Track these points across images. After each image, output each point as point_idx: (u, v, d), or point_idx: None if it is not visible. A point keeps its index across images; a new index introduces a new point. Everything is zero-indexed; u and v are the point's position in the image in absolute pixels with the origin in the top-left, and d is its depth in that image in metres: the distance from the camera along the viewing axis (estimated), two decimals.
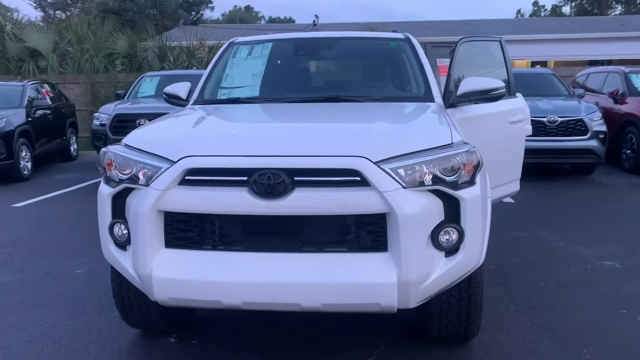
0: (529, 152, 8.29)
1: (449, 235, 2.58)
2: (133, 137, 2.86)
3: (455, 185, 2.58)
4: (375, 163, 2.45)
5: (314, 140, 2.64)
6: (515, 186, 4.77)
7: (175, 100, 3.99)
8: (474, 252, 2.67)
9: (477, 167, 2.67)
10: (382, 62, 4.13)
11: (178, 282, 2.53)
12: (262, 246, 2.50)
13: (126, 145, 2.81)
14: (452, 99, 3.77)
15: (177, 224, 2.56)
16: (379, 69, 4.12)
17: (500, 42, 4.67)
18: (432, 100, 3.64)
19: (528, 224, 5.98)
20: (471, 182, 2.64)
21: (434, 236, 2.55)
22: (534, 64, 21.85)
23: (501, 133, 4.40)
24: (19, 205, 7.33)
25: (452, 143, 2.68)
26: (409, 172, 2.49)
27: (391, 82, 4.05)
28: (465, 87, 3.74)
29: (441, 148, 2.63)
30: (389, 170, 2.45)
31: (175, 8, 28.96)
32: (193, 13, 29.43)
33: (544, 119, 8.53)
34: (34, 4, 31.30)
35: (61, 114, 11.65)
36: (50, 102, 11.19)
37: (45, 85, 11.65)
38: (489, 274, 4.38)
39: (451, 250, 2.60)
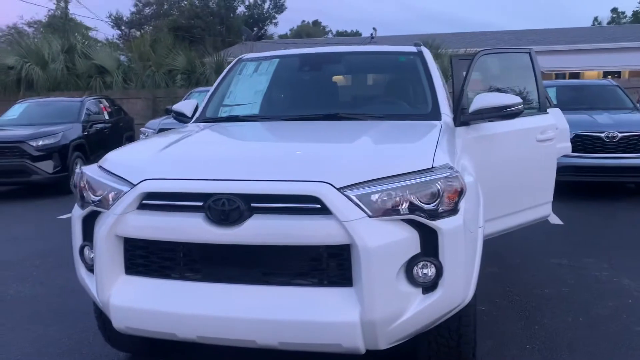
0: (584, 169, 7.86)
1: (426, 270, 2.32)
2: (106, 159, 2.80)
3: (435, 214, 2.33)
4: (338, 189, 2.24)
5: (277, 164, 2.46)
6: (546, 210, 4.37)
7: (181, 118, 3.94)
8: (456, 288, 2.39)
9: (460, 194, 2.41)
10: (389, 78, 3.91)
11: (134, 311, 2.42)
12: (220, 277, 2.35)
13: (99, 166, 2.75)
14: (464, 117, 3.49)
15: (135, 250, 2.45)
16: (385, 85, 3.90)
17: (530, 54, 4.32)
18: (438, 118, 3.38)
19: (572, 249, 5.50)
20: (453, 211, 2.37)
21: (408, 270, 2.31)
22: (605, 74, 20.60)
23: (526, 152, 4.04)
24: (63, 217, 7.58)
25: (433, 167, 2.41)
26: (377, 199, 2.26)
27: (397, 98, 3.80)
28: (478, 103, 3.46)
29: (419, 173, 2.38)
30: (353, 197, 2.24)
31: (241, 25, 29.68)
32: (256, 29, 30.04)
33: (602, 134, 7.91)
34: (112, 24, 33.09)
35: (118, 128, 12.09)
36: (107, 117, 11.65)
37: (104, 101, 12.14)
38: (513, 306, 4.04)
39: (429, 287, 2.34)
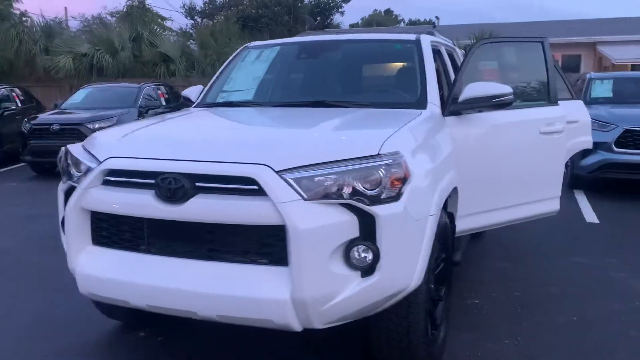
0: (627, 166, 7.41)
1: (363, 254, 2.36)
2: (88, 138, 3.00)
3: (376, 200, 2.36)
4: (277, 172, 2.32)
5: (224, 146, 2.57)
6: (552, 205, 4.22)
7: (188, 103, 4.13)
8: (394, 274, 2.41)
9: (403, 181, 2.42)
10: (382, 66, 3.89)
11: (95, 279, 2.61)
12: (169, 251, 2.50)
13: (82, 145, 2.96)
14: (454, 107, 3.45)
15: (100, 222, 2.65)
16: (377, 72, 3.89)
17: (542, 43, 4.16)
18: (423, 107, 3.35)
19: (599, 249, 5.26)
20: (394, 197, 2.39)
21: (346, 253, 2.35)
22: None
23: (528, 144, 3.92)
24: None
25: (379, 154, 2.43)
26: (314, 183, 2.31)
27: (387, 86, 3.79)
28: (467, 93, 3.41)
29: (362, 159, 2.41)
30: (290, 180, 2.31)
31: (309, 14, 29.86)
32: (319, 18, 30.08)
33: None
34: (185, 14, 34.22)
35: None
36: (164, 103, 12.16)
37: (162, 87, 12.68)
38: (508, 301, 3.96)
39: (367, 270, 2.38)
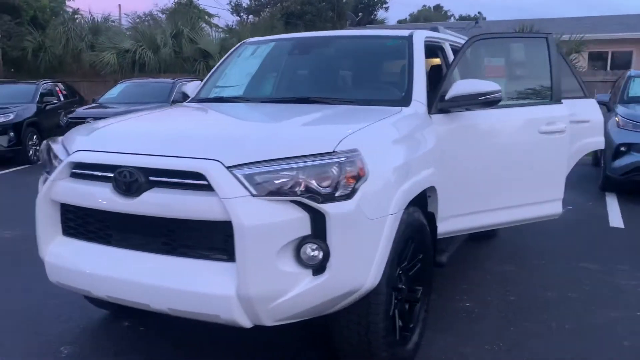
0: None
1: (314, 252, 2.34)
2: (67, 133, 3.09)
3: (328, 198, 2.33)
4: (228, 167, 2.32)
5: (179, 141, 2.59)
6: (553, 208, 4.05)
7: (187, 98, 4.19)
8: (346, 273, 2.38)
9: (358, 179, 2.38)
10: (372, 63, 3.82)
11: (62, 269, 2.70)
12: (127, 243, 2.55)
13: (61, 139, 3.05)
14: (441, 104, 3.37)
15: (68, 214, 2.73)
16: (366, 69, 3.81)
17: (547, 39, 3.99)
18: (406, 104, 3.28)
19: (614, 255, 5.02)
20: (347, 196, 2.36)
21: (297, 251, 2.34)
22: None
23: (525, 144, 3.79)
24: None
25: (335, 152, 2.40)
26: (264, 179, 2.31)
27: (373, 83, 3.72)
28: (454, 90, 3.32)
29: (317, 156, 2.38)
30: (239, 176, 2.31)
31: (352, 10, 29.77)
32: (361, 14, 29.89)
33: None
34: (231, 10, 34.75)
35: None
36: None
37: (196, 82, 12.92)
38: (502, 306, 3.85)
39: (318, 269, 2.36)
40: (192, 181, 2.35)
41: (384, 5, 32.32)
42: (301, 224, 2.33)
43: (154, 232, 2.47)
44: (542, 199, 3.96)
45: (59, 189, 2.67)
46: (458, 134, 3.49)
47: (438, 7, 61.11)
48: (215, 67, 4.23)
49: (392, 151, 2.72)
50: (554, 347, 3.26)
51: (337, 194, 2.35)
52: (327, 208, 2.32)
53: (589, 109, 4.59)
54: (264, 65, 4.05)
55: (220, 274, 2.33)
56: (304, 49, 4.04)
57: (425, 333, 3.33)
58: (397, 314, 2.91)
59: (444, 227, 3.48)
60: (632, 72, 9.39)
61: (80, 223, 2.68)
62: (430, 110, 3.35)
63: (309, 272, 2.36)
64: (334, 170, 2.35)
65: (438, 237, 3.49)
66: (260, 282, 2.29)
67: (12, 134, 10.67)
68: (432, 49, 3.90)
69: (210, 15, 36.08)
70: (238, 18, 35.34)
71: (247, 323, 2.37)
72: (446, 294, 4.01)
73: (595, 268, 4.67)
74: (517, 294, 4.05)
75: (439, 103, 3.38)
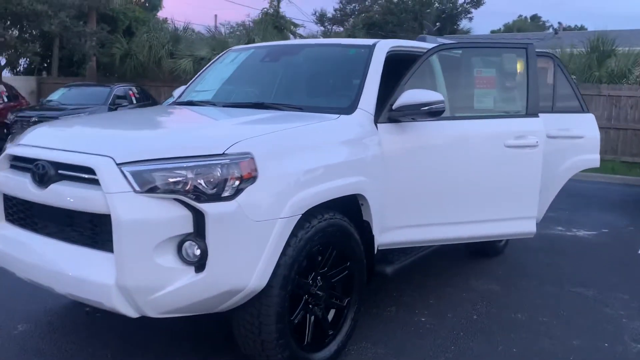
0: None
1: (193, 250, 2.44)
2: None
3: (212, 198, 2.43)
4: (118, 164, 2.47)
5: (87, 138, 2.79)
6: (525, 226, 3.85)
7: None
8: (227, 272, 2.46)
9: (242, 181, 2.46)
10: (330, 71, 3.83)
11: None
12: (45, 231, 2.77)
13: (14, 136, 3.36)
14: (390, 114, 3.35)
15: (7, 201, 3.00)
16: (324, 77, 3.82)
17: (526, 50, 3.82)
18: (350, 113, 3.28)
19: (617, 282, 4.66)
20: (230, 197, 2.44)
21: (179, 247, 2.45)
22: None
23: (486, 158, 3.65)
24: None
25: (225, 153, 2.50)
26: (149, 176, 2.43)
27: (327, 90, 3.73)
28: (401, 100, 3.30)
29: (205, 157, 2.49)
30: (126, 173, 2.45)
31: (435, 20, 29.34)
32: (438, 24, 29.26)
33: None
34: (316, 21, 35.45)
35: None
36: None
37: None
38: (459, 323, 3.72)
39: (199, 266, 2.46)
40: (88, 175, 2.53)
41: (468, 16, 31.53)
42: (184, 221, 2.43)
43: (60, 221, 2.67)
44: (509, 215, 3.79)
45: (0, 179, 2.96)
46: (409, 145, 3.44)
47: (535, 17, 58.66)
48: (199, 72, 4.43)
49: (297, 156, 2.75)
50: None
51: (223, 195, 2.44)
52: (205, 207, 2.41)
53: (584, 125, 4.33)
54: (237, 71, 4.19)
55: (103, 263, 2.47)
56: (275, 57, 4.14)
57: (361, 342, 3.33)
58: (312, 319, 2.93)
59: (388, 237, 3.44)
60: None
61: (15, 210, 2.95)
62: (378, 119, 3.34)
63: (191, 268, 2.46)
64: (218, 171, 2.45)
65: (382, 248, 3.46)
66: (137, 274, 2.41)
67: None
68: (403, 59, 3.85)
69: (296, 26, 37.01)
70: (322, 28, 35.98)
71: (131, 312, 2.50)
72: (407, 307, 3.94)
73: (590, 294, 4.37)
74: (483, 314, 3.90)
75: (387, 112, 3.35)
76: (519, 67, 3.83)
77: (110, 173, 2.45)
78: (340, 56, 3.88)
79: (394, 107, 3.32)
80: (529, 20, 56.72)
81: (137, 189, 2.43)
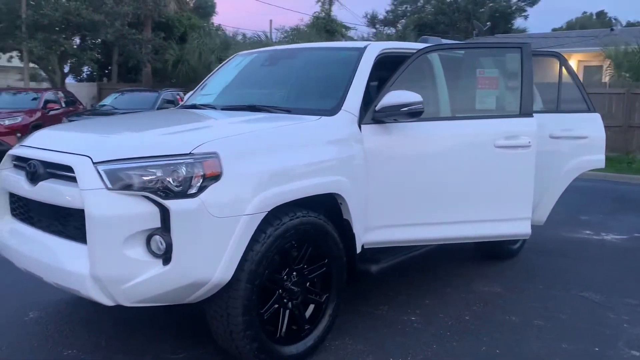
0: None
1: (160, 244, 2.61)
2: None
3: (180, 195, 2.59)
4: (95, 163, 2.67)
5: (73, 139, 3.00)
6: (519, 227, 3.81)
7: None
8: (191, 265, 2.61)
9: (205, 179, 2.61)
10: (321, 74, 3.91)
11: (2, 244, 3.24)
12: (40, 225, 3.02)
13: None
14: (372, 115, 3.42)
15: (12, 197, 3.28)
16: (315, 80, 3.91)
17: (521, 49, 3.78)
18: (334, 114, 3.37)
19: (628, 287, 4.49)
20: (194, 194, 2.60)
21: (147, 241, 2.63)
22: None
23: (474, 158, 3.64)
24: None
25: (191, 153, 2.66)
26: (121, 174, 2.61)
27: (316, 93, 3.81)
28: (383, 101, 3.37)
29: (172, 156, 2.65)
30: (101, 171, 2.64)
31: (488, 19, 28.72)
32: (488, 24, 28.49)
33: None
34: (367, 23, 35.50)
35: None
36: None
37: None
38: (448, 324, 3.72)
39: (166, 259, 2.62)
40: (69, 174, 2.75)
41: (523, 14, 30.65)
42: (152, 217, 2.61)
43: (49, 215, 2.91)
44: (501, 216, 3.76)
45: (4, 177, 3.25)
46: (393, 146, 3.50)
47: (601, 14, 56.16)
48: (208, 76, 4.63)
49: (266, 157, 2.87)
50: None
51: (188, 192, 2.60)
52: (169, 204, 2.57)
53: (589, 125, 4.23)
54: (240, 75, 4.36)
55: (79, 254, 2.67)
56: (273, 61, 4.28)
57: (343, 338, 3.41)
58: (286, 313, 3.04)
59: (373, 236, 3.50)
60: None
61: (17, 206, 3.22)
62: (362, 121, 3.42)
63: (159, 261, 2.63)
64: (183, 170, 2.61)
65: (368, 247, 3.53)
66: (108, 266, 2.60)
67: None
68: (398, 61, 3.89)
69: (348, 28, 37.14)
70: (374, 30, 35.95)
71: (106, 301, 2.69)
72: (400, 306, 3.97)
73: (597, 299, 4.25)
74: (476, 316, 3.87)
75: (371, 114, 3.43)
76: (514, 67, 3.80)
77: (86, 171, 2.65)
78: (333, 59, 3.97)
79: (377, 108, 3.39)
80: (594, 17, 54.39)
81: (110, 186, 2.62)
